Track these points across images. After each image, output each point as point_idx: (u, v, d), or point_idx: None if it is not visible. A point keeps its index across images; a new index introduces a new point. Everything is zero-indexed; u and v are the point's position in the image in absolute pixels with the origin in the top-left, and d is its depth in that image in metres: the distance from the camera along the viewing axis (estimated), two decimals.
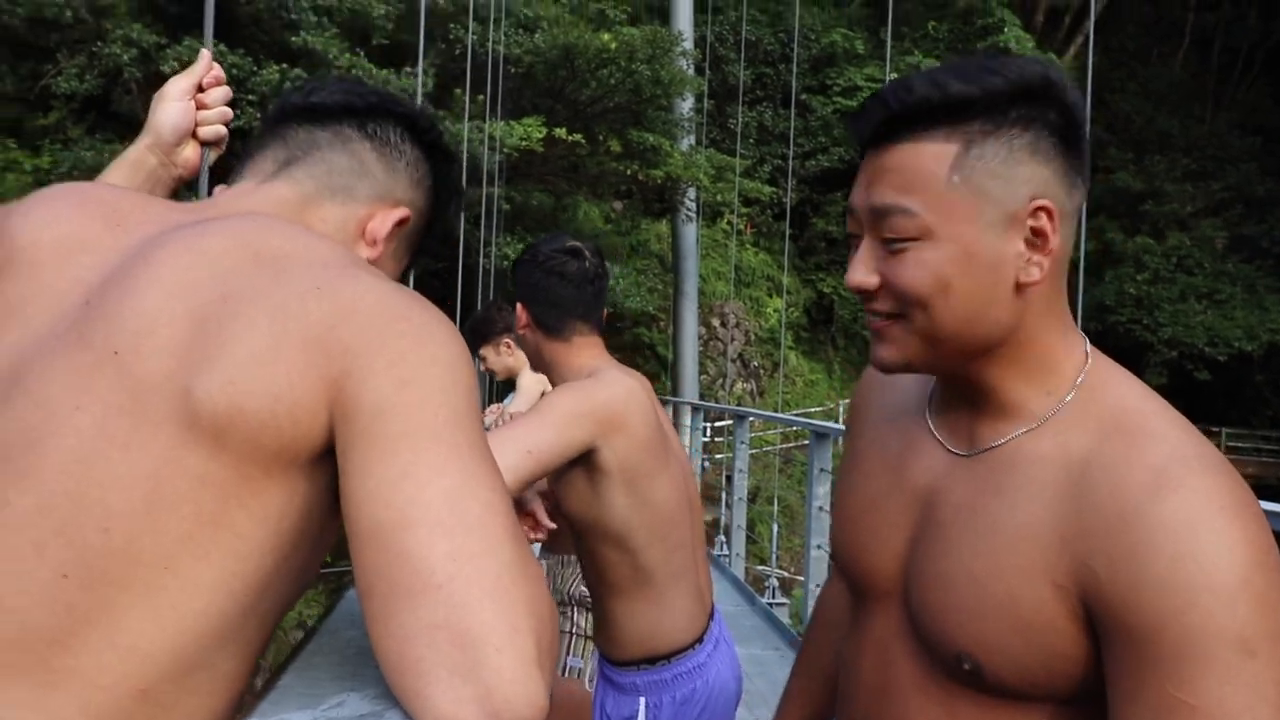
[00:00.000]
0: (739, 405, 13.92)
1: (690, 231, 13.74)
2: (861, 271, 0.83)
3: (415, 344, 0.71)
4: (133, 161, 1.12)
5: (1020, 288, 0.79)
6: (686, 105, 13.87)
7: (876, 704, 0.91)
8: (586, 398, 1.62)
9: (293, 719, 0.62)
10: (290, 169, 0.90)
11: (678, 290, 12.84)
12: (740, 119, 15.93)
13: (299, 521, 0.72)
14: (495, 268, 9.83)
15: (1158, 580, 0.69)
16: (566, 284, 1.77)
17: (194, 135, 1.18)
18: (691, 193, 13.45)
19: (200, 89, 1.17)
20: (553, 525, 1.66)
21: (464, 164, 9.00)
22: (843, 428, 3.70)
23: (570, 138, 11.16)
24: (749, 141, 17.14)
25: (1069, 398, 0.82)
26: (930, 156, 0.79)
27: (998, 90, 0.78)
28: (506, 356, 3.18)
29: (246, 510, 0.69)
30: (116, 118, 9.17)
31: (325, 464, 0.70)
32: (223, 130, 1.20)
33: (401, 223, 0.93)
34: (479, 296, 9.08)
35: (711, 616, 1.85)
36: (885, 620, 0.92)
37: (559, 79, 11.91)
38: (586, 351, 1.79)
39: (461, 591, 0.63)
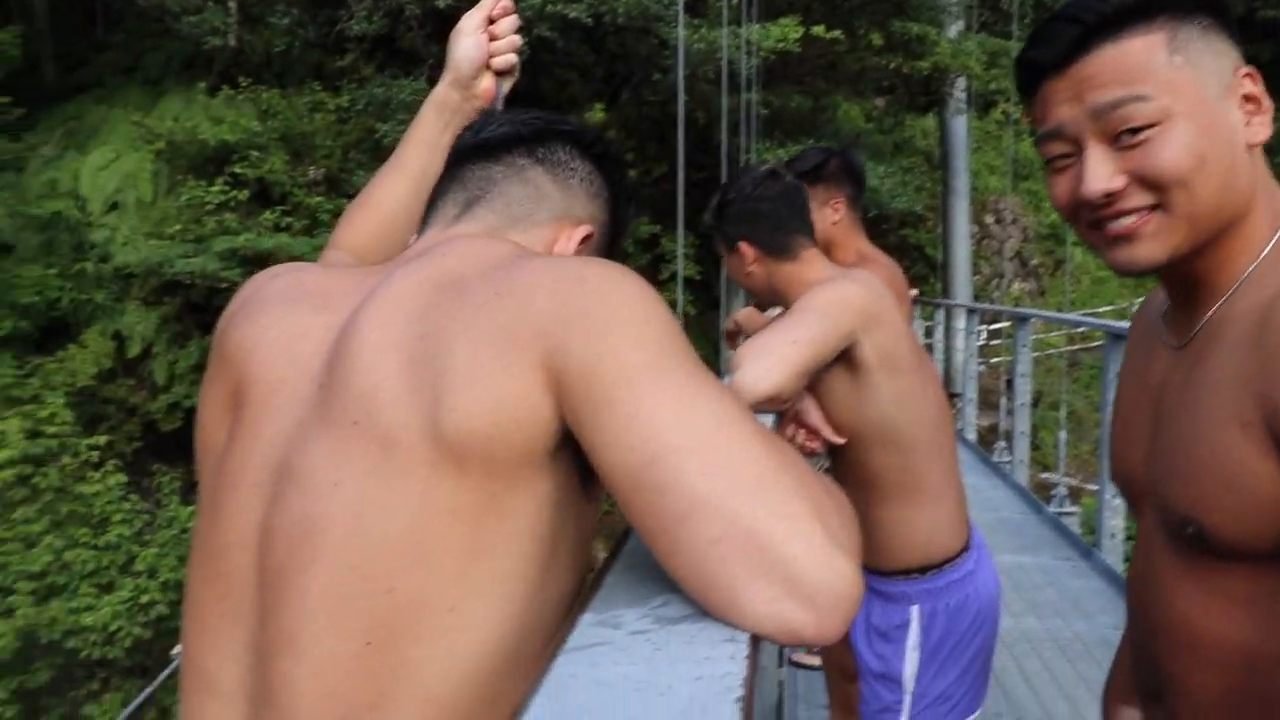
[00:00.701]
0: (1017, 306, 13.28)
1: (960, 124, 13.03)
2: (1103, 176, 0.82)
3: (599, 298, 0.72)
4: (438, 102, 1.20)
5: (1250, 149, 0.82)
6: None
7: (1144, 602, 0.94)
8: (840, 291, 1.61)
9: (623, 615, 0.65)
10: (472, 209, 0.93)
11: (947, 188, 12.27)
12: None
13: (552, 521, 0.74)
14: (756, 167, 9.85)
15: None
16: (781, 203, 1.78)
17: (488, 66, 1.22)
18: (961, 83, 12.72)
19: (491, 21, 1.21)
20: (835, 437, 1.64)
21: (724, 70, 8.98)
22: None
23: (828, 35, 10.81)
24: (1025, 22, 15.92)
25: (1265, 252, 0.83)
26: (1141, 48, 0.81)
27: None
28: None
29: (501, 532, 0.72)
30: (401, 54, 9.87)
31: (561, 454, 0.72)
32: (514, 59, 1.23)
33: (585, 239, 0.94)
34: None
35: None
36: (1145, 520, 0.94)
37: None
38: (817, 263, 1.77)
39: (725, 501, 0.64)
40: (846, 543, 0.67)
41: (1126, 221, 0.84)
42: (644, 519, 0.67)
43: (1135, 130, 0.80)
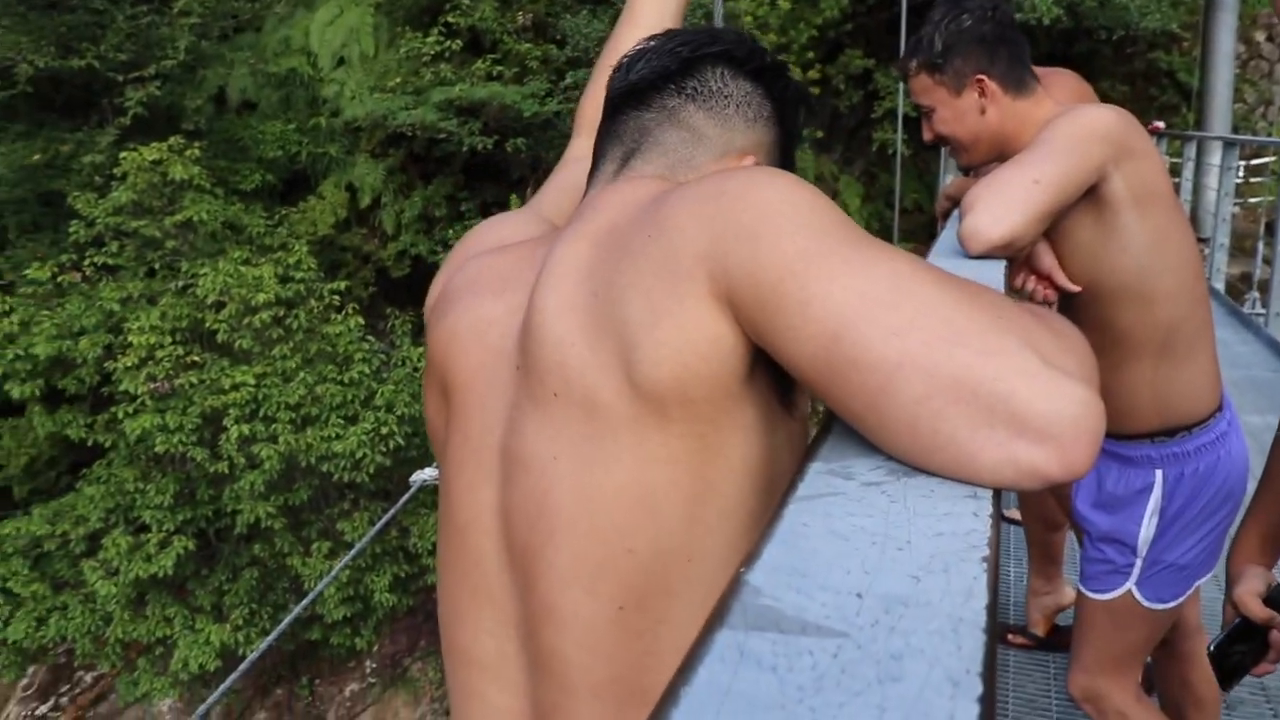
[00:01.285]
0: None
1: None
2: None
3: (741, 204, 0.69)
4: None
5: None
6: None
7: None
8: (1088, 119, 1.47)
9: (854, 465, 0.63)
10: (630, 164, 0.91)
11: (1210, 1, 10.77)
12: None
13: (764, 448, 0.74)
14: None
15: None
16: (1016, 32, 1.62)
17: None
18: None
19: None
20: (1073, 286, 1.55)
21: None
22: None
23: None
24: None
25: None
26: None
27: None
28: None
29: (718, 469, 0.72)
30: None
31: (756, 378, 0.71)
32: None
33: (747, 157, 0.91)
34: None
35: None
36: None
37: None
38: (1048, 101, 1.61)
39: (922, 356, 0.61)
40: (1072, 365, 0.63)
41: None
42: (847, 404, 0.64)
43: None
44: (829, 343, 0.63)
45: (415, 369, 7.09)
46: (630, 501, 0.73)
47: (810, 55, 8.94)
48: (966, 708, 0.35)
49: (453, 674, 0.88)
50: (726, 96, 0.92)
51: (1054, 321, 0.68)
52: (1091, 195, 1.48)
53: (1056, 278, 1.53)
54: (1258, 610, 1.01)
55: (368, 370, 6.89)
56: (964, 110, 1.61)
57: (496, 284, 0.87)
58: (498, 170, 8.39)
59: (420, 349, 7.33)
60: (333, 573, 3.33)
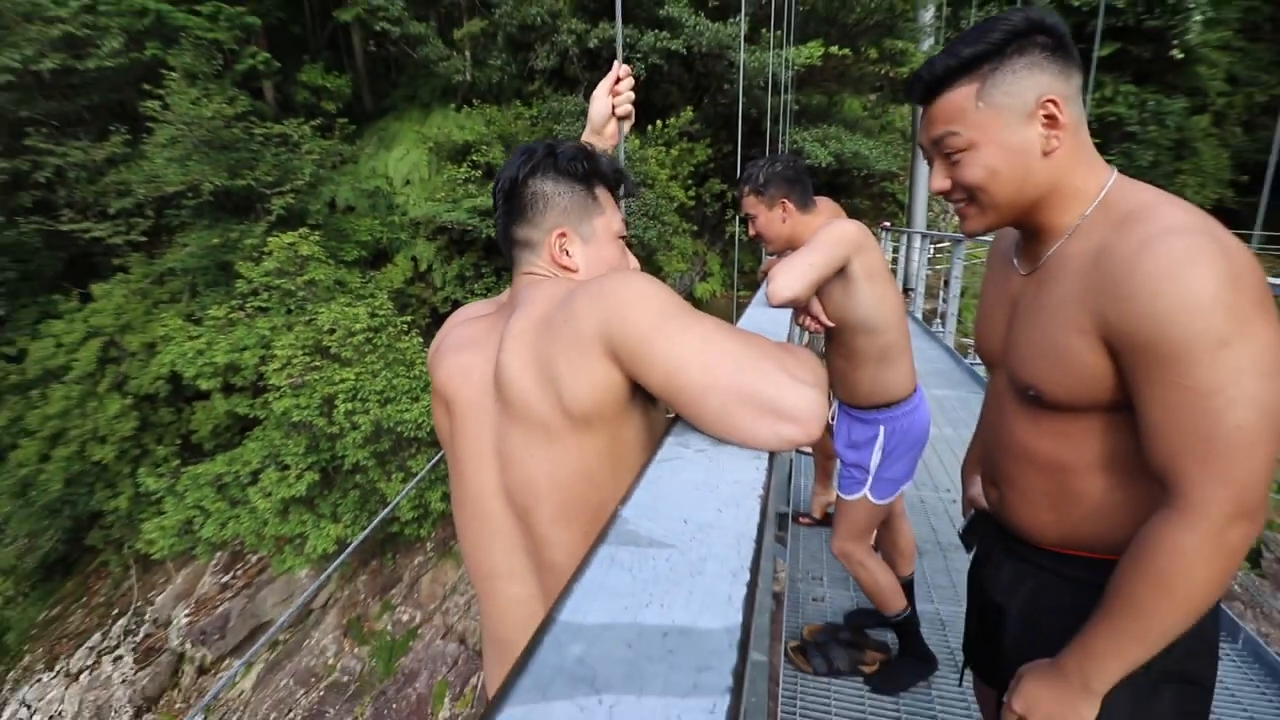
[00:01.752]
0: (955, 233, 12.27)
1: None
2: (937, 182, 0.80)
3: (615, 297, 0.68)
4: (583, 143, 1.17)
5: (1046, 155, 0.74)
6: (928, 15, 11.48)
7: (993, 428, 0.90)
8: (838, 230, 1.49)
9: (691, 439, 0.61)
10: (522, 255, 0.87)
11: (914, 155, 11.12)
12: (971, 20, 13.01)
13: (646, 427, 0.75)
14: (786, 149, 9.11)
15: (1149, 311, 0.64)
16: (806, 173, 1.65)
17: (613, 114, 1.16)
18: None
19: (617, 81, 1.14)
20: (830, 323, 1.54)
21: (770, 80, 8.23)
22: None
23: (840, 52, 9.74)
24: None
25: (1089, 211, 0.75)
26: (958, 98, 0.75)
27: (994, 42, 0.72)
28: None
29: (627, 446, 0.74)
30: (567, 80, 9.44)
31: (635, 394, 0.71)
32: (630, 109, 1.18)
33: (560, 237, 0.84)
34: None
35: None
36: (998, 378, 0.89)
37: (834, 8, 10.31)
38: (821, 215, 1.65)
39: (721, 380, 0.64)
40: (808, 376, 0.66)
41: (956, 206, 0.80)
42: (682, 409, 0.67)
43: (952, 153, 0.77)
44: (669, 378, 0.66)
45: None
46: (579, 476, 0.73)
47: (689, 181, 8.97)
48: (739, 590, 0.36)
49: (480, 583, 0.85)
50: (539, 200, 0.84)
51: (798, 352, 0.70)
52: (841, 272, 1.50)
53: (821, 318, 1.52)
54: (981, 502, 1.03)
55: (425, 369, 6.76)
56: (773, 219, 1.63)
57: (472, 344, 0.83)
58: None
59: None
60: (404, 491, 3.23)
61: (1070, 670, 0.74)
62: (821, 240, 1.45)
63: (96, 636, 8.01)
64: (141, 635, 7.83)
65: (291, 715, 6.75)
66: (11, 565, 8.48)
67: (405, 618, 7.29)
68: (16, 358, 7.31)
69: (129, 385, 7.20)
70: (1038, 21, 0.72)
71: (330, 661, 7.10)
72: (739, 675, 0.30)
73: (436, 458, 3.71)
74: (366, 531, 2.69)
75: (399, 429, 6.28)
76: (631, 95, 1.16)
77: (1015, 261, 0.86)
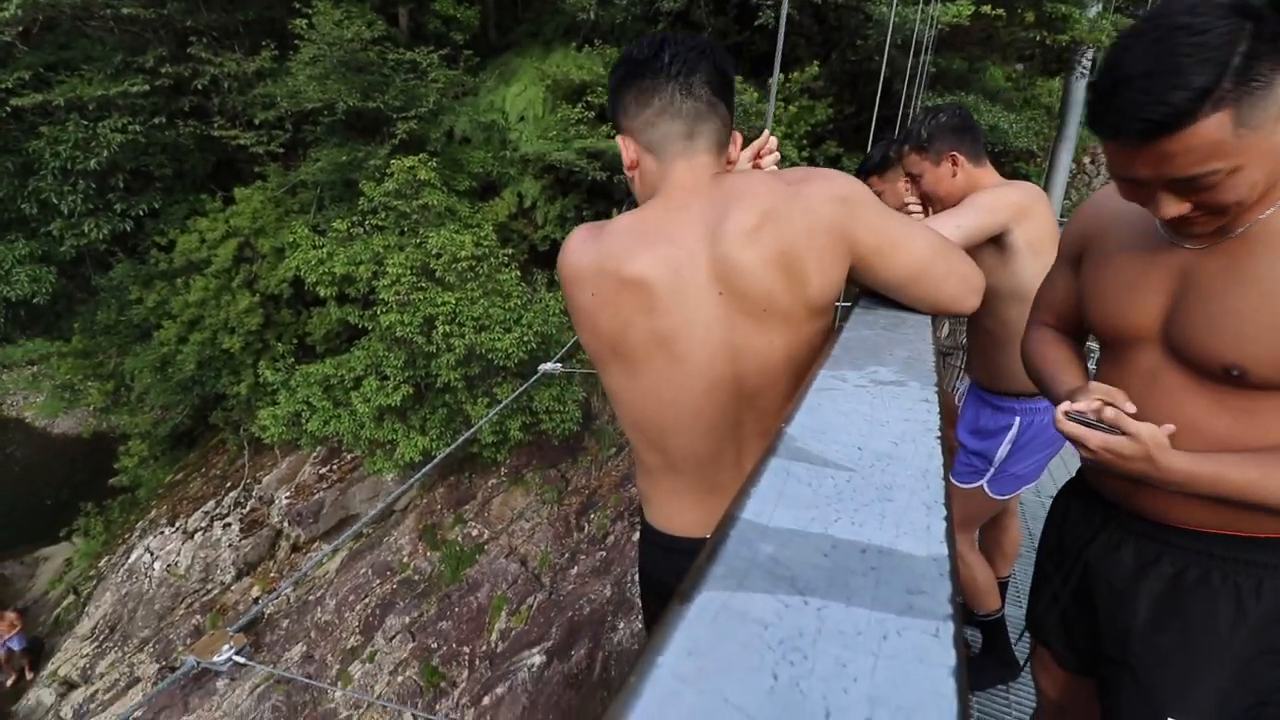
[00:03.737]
0: None
1: (1080, 87, 10.61)
2: (1173, 209, 0.71)
3: (845, 195, 0.79)
4: None
5: None
6: None
7: (1149, 404, 0.81)
8: (1001, 196, 1.38)
9: (847, 374, 0.60)
10: (694, 143, 0.82)
11: (1058, 135, 10.18)
12: None
13: (829, 327, 0.83)
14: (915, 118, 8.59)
15: None
16: (974, 121, 1.52)
17: None
18: (1090, 53, 10.29)
19: (759, 155, 1.11)
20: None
21: (914, 39, 7.75)
22: None
23: (993, 12, 8.98)
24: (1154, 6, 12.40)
25: None
26: (1211, 130, 0.61)
27: (1223, 54, 0.58)
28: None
29: (825, 334, 0.82)
30: (691, 24, 9.27)
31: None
32: None
33: (737, 134, 0.87)
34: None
35: None
36: (1144, 356, 0.84)
37: None
38: (994, 172, 1.51)
39: (931, 266, 0.82)
40: (973, 269, 0.85)
41: (1176, 217, 0.72)
42: (900, 289, 0.82)
43: (1204, 185, 0.66)
44: (907, 264, 0.81)
45: (547, 305, 7.19)
46: (802, 362, 0.81)
47: (804, 141, 8.69)
48: (936, 522, 0.35)
49: (685, 475, 0.87)
50: (726, 88, 0.84)
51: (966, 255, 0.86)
52: (997, 241, 1.38)
53: None
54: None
55: (519, 303, 7.01)
56: (942, 176, 1.49)
57: (666, 239, 0.78)
58: (606, 192, 8.36)
59: (552, 293, 7.44)
60: (488, 416, 3.48)
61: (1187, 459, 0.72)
62: (976, 203, 1.35)
63: (211, 503, 9.16)
64: (248, 508, 8.89)
65: (367, 600, 7.53)
66: (148, 430, 9.76)
67: (474, 533, 7.87)
68: (167, 248, 8.23)
69: (258, 284, 7.97)
70: (1252, 11, 0.60)
71: (405, 560, 7.81)
72: (957, 605, 0.29)
73: (524, 388, 3.94)
74: (452, 447, 2.96)
75: (490, 356, 6.61)
76: (774, 165, 1.14)
77: (1163, 234, 0.80)
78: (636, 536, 7.81)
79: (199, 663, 1.58)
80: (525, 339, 6.71)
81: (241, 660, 1.65)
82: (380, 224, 7.44)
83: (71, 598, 8.88)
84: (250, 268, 8.03)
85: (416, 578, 7.62)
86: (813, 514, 0.35)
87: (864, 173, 1.96)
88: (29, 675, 7.87)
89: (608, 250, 0.80)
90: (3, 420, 14.72)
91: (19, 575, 9.59)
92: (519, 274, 7.30)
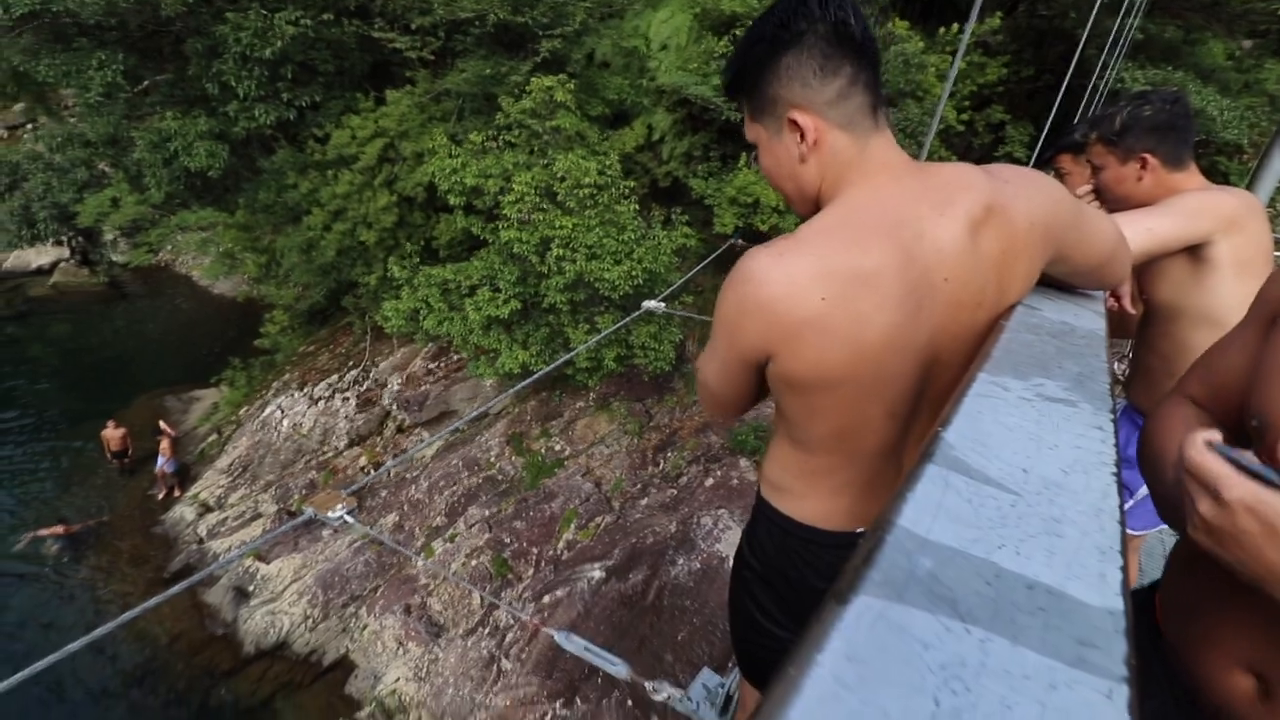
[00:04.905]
0: None
1: None
2: None
3: (1044, 188, 0.78)
4: None
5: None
6: None
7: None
8: (1210, 201, 1.20)
9: (1009, 383, 0.54)
10: (879, 114, 0.77)
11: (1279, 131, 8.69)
12: None
13: None
14: (1107, 89, 7.60)
15: None
16: (1189, 121, 1.30)
17: None
18: None
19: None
20: (1133, 309, 1.27)
21: None
22: None
23: None
24: None
25: None
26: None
27: None
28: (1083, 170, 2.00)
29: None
30: None
31: None
32: None
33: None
34: (1080, 113, 7.16)
35: None
36: None
37: None
38: (1197, 176, 1.31)
39: (1116, 252, 0.87)
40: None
41: None
42: (1077, 277, 0.85)
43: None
44: (1100, 250, 0.83)
45: (658, 241, 7.21)
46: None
47: (967, 103, 7.99)
48: (1111, 570, 0.31)
49: (861, 447, 0.82)
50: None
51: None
52: (1194, 251, 1.21)
53: (1124, 301, 1.26)
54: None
55: (633, 237, 7.08)
56: (1125, 176, 1.32)
57: (889, 222, 0.71)
58: (739, 135, 8.15)
59: (665, 232, 7.44)
60: (589, 343, 3.64)
61: None
62: (1177, 206, 1.19)
63: (334, 377, 10.24)
64: (364, 387, 9.87)
65: (455, 488, 8.28)
66: (290, 304, 10.93)
67: (557, 447, 8.37)
68: (322, 139, 8.92)
69: (397, 185, 8.53)
70: None
71: (491, 460, 8.47)
72: (1133, 669, 0.26)
73: (625, 321, 4.08)
74: (550, 367, 3.15)
75: (597, 285, 6.82)
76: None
77: None
78: (710, 483, 7.93)
79: (315, 514, 1.86)
80: (633, 273, 6.83)
81: (350, 520, 1.92)
82: (513, 140, 7.67)
83: (214, 436, 10.36)
84: (392, 168, 8.59)
85: (500, 478, 8.27)
86: (974, 534, 0.33)
87: (1058, 149, 1.81)
88: (177, 494, 9.36)
89: (829, 249, 0.70)
90: (175, 276, 16.91)
91: (176, 409, 11.26)
92: (637, 208, 7.35)
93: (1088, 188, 1.51)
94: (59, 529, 8.28)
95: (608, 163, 7.20)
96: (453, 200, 7.64)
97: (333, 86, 9.03)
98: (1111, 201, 1.38)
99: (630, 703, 5.82)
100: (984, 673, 0.26)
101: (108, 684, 6.69)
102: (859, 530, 0.88)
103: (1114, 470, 0.41)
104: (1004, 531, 0.34)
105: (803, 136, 0.74)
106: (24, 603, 7.49)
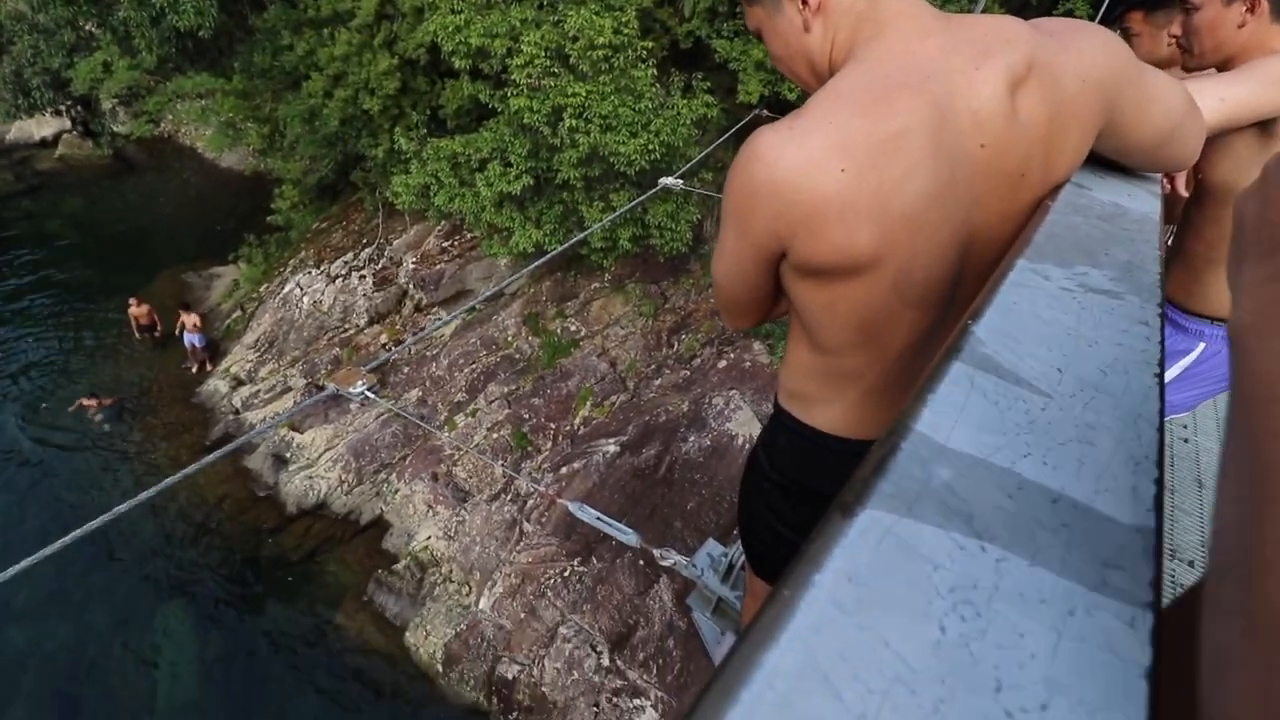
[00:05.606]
0: None
1: None
2: None
3: (1107, 41, 0.68)
4: None
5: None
6: None
7: None
8: None
9: (1051, 270, 0.51)
10: None
11: None
12: None
13: None
14: None
15: None
16: None
17: None
18: None
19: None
20: (1184, 192, 1.20)
21: None
22: None
23: None
24: None
25: None
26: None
27: None
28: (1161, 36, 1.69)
29: None
30: None
31: None
32: None
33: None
34: None
35: None
36: None
37: None
38: None
39: (1184, 126, 0.74)
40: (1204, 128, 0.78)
41: None
42: (1144, 153, 0.73)
43: None
44: (1165, 118, 0.71)
45: (678, 112, 6.81)
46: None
47: None
48: (1145, 484, 0.29)
49: (891, 344, 0.75)
50: None
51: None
52: (1270, 127, 1.06)
53: (1179, 182, 1.16)
54: None
55: (650, 106, 6.70)
56: (1225, 19, 1.13)
57: (915, 77, 0.64)
58: None
59: (685, 100, 6.97)
60: (603, 222, 3.54)
61: None
62: (1261, 72, 1.02)
63: (350, 254, 10.22)
64: (380, 266, 9.87)
65: (474, 366, 8.50)
66: (299, 178, 10.67)
67: (573, 328, 8.45)
68: None
69: (397, 46, 7.97)
70: None
71: (509, 339, 8.60)
72: (1158, 591, 0.25)
73: (641, 199, 3.93)
74: (564, 247, 3.08)
75: (612, 160, 6.52)
76: None
77: None
78: (723, 364, 8.05)
79: (338, 389, 1.93)
80: (650, 147, 6.50)
81: (371, 395, 1.99)
82: None
83: (239, 312, 10.57)
84: (391, 26, 7.99)
85: (517, 356, 8.44)
86: (998, 441, 0.31)
87: (1129, 4, 1.60)
88: (209, 368, 9.73)
89: (847, 114, 0.62)
90: (181, 148, 16.47)
91: (197, 285, 11.42)
92: (655, 73, 6.86)
93: (1169, 60, 1.32)
94: (103, 400, 8.73)
95: (624, 19, 6.61)
96: (457, 63, 7.16)
97: None
98: (1197, 53, 1.20)
99: (642, 563, 6.30)
100: (997, 596, 0.24)
101: (159, 544, 7.36)
102: None
103: (1157, 371, 0.38)
104: (1031, 439, 0.32)
105: (804, 2, 0.67)
106: (73, 471, 8.08)
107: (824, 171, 0.62)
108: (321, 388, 8.95)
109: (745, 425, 7.01)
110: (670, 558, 1.88)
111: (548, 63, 6.61)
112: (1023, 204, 0.67)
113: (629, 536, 1.93)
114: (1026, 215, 0.66)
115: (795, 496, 0.93)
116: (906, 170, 0.62)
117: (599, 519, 1.95)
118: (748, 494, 1.07)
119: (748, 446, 6.88)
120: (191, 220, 13.55)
